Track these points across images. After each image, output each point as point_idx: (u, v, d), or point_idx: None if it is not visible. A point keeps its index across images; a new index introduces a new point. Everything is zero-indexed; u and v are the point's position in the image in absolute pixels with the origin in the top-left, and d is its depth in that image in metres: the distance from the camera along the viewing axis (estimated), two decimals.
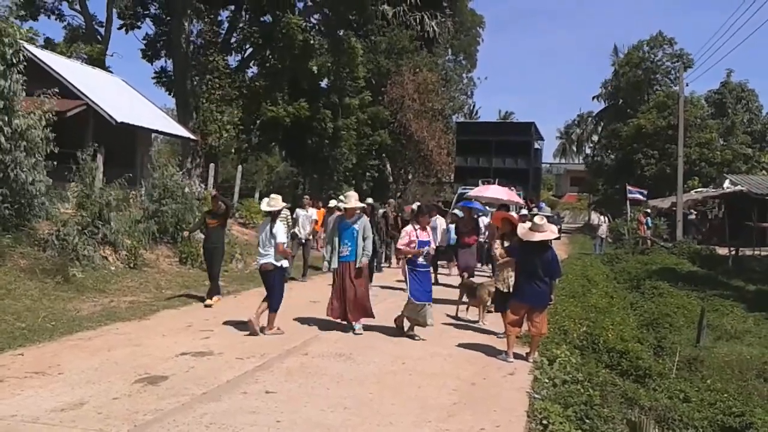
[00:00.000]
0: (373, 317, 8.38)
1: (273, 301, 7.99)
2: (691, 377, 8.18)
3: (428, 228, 8.33)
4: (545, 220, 7.32)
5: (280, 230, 7.99)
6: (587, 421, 5.33)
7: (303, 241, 13.52)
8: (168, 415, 4.97)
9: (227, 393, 5.58)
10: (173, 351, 6.91)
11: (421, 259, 8.01)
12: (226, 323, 8.45)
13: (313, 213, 13.68)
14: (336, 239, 8.29)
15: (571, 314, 9.44)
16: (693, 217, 28.61)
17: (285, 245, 8.03)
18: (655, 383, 7.32)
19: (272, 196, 8.40)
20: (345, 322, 8.30)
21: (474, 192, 14.57)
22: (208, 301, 9.91)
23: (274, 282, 8.00)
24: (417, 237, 8.01)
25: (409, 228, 8.24)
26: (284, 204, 8.53)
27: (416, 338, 8.03)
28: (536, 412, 5.33)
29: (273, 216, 8.04)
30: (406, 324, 8.19)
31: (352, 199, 8.38)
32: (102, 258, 11.23)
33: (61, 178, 12.16)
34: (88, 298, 9.57)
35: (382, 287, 12.28)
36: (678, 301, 12.97)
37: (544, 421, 5.13)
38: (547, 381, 6.27)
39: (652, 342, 10.19)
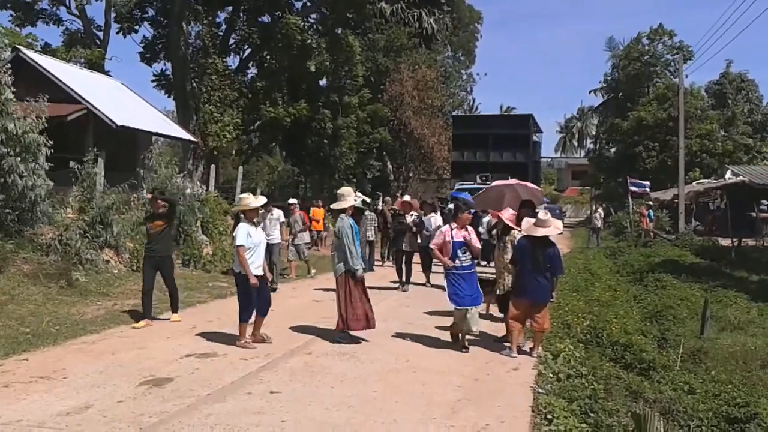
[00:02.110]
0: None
1: (241, 309, 7.29)
2: (695, 369, 8.16)
3: (468, 227, 7.56)
4: (549, 215, 7.31)
5: (239, 233, 7.26)
6: (592, 414, 5.34)
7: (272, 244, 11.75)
8: (173, 417, 4.99)
9: (232, 394, 5.60)
10: (177, 353, 6.93)
11: (458, 261, 7.31)
12: (230, 325, 8.43)
13: (280, 215, 12.26)
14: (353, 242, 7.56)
15: (575, 308, 9.45)
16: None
17: (243, 249, 7.19)
18: (660, 375, 7.30)
19: (241, 195, 7.93)
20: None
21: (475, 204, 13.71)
22: (174, 317, 8.76)
23: (238, 289, 7.39)
24: (452, 237, 7.32)
25: (445, 227, 7.67)
26: (251, 204, 7.55)
27: (463, 350, 7.33)
28: (541, 407, 5.35)
29: (236, 218, 7.53)
30: (460, 334, 7.54)
31: (349, 197, 7.81)
32: (105, 261, 11.27)
33: (62, 183, 12.20)
34: (92, 301, 9.59)
35: (380, 288, 12.28)
36: (681, 293, 12.92)
37: (549, 416, 5.14)
38: (551, 375, 6.30)
39: (656, 334, 10.16)
